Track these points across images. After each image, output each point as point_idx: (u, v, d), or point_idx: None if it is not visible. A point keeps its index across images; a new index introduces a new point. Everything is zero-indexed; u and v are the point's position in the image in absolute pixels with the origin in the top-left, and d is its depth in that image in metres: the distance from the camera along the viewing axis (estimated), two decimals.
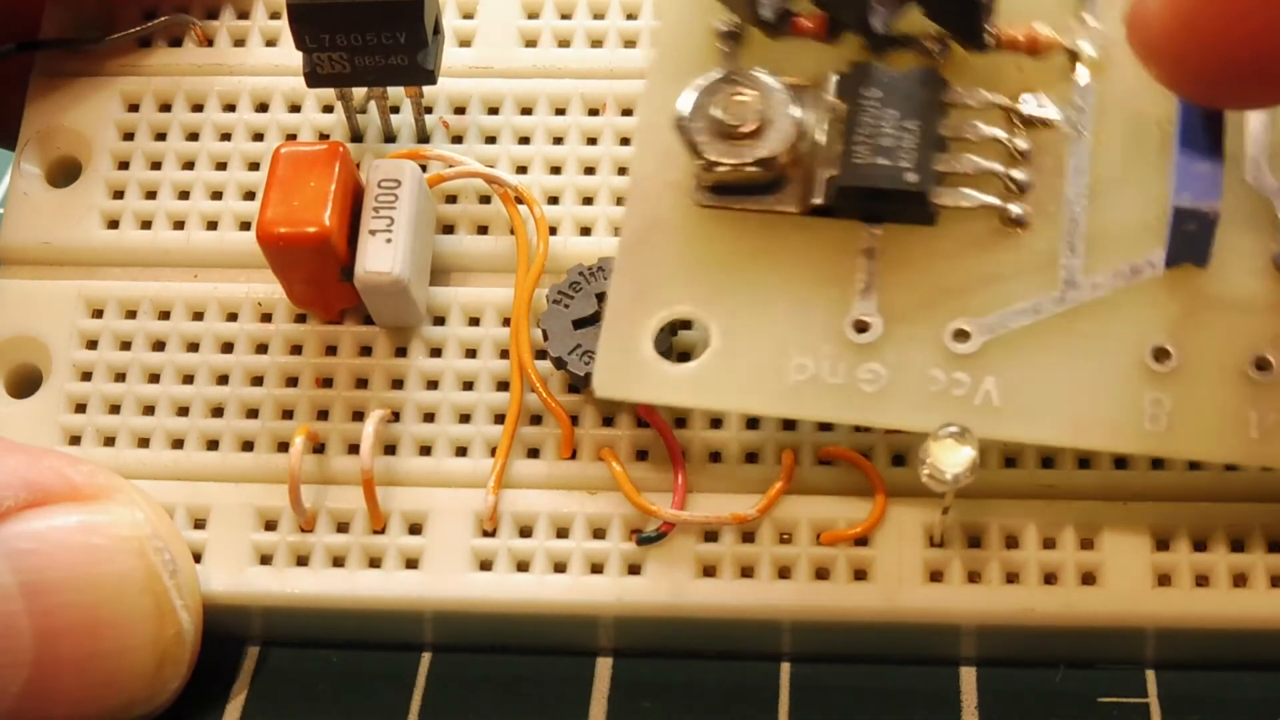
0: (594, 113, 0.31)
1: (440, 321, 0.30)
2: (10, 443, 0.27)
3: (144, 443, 0.29)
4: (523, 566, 0.28)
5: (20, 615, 0.25)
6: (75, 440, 0.29)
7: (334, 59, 0.29)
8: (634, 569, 0.28)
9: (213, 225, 0.31)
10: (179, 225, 0.31)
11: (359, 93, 0.31)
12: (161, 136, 0.32)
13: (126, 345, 0.30)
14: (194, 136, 0.32)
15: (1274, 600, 0.27)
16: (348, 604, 0.28)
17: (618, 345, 0.27)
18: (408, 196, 0.28)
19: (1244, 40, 0.21)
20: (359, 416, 0.29)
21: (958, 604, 0.27)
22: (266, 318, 0.30)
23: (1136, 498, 0.27)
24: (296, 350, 0.30)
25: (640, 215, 0.27)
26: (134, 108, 0.32)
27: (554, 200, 0.30)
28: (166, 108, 0.32)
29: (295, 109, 0.32)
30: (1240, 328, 0.26)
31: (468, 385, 0.29)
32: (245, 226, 0.31)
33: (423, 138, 0.31)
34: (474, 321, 0.30)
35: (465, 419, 0.29)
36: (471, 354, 0.29)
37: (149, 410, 0.29)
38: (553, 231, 0.30)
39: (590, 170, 0.31)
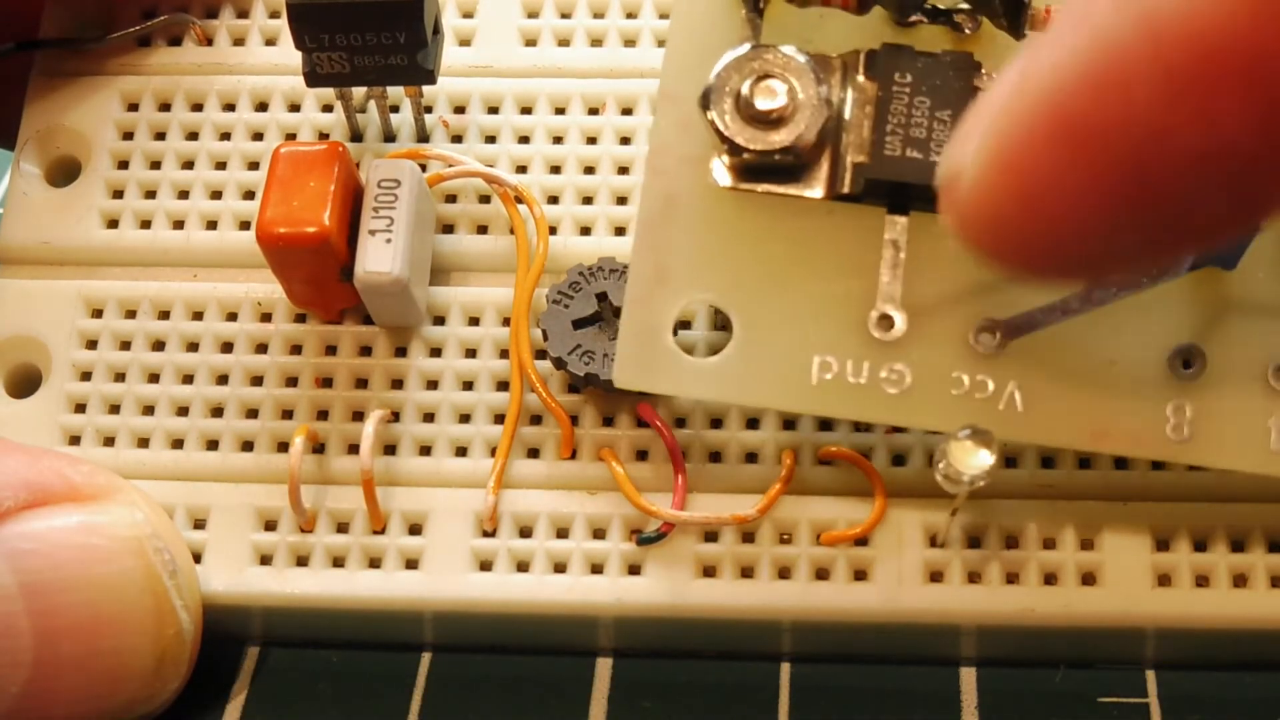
0: (594, 112, 0.31)
1: (440, 321, 0.30)
2: (10, 443, 0.27)
3: (144, 443, 0.29)
4: (523, 567, 0.28)
5: (20, 615, 0.25)
6: (75, 440, 0.29)
7: (333, 59, 0.29)
8: (634, 569, 0.28)
9: (212, 225, 0.31)
10: (179, 225, 0.31)
11: (358, 92, 0.31)
12: (161, 136, 0.32)
13: (126, 345, 0.30)
14: (194, 136, 0.32)
15: (1274, 600, 0.27)
16: (348, 604, 0.28)
17: (638, 333, 0.26)
18: (407, 196, 0.28)
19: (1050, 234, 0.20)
20: (359, 416, 0.29)
21: (958, 604, 0.27)
22: (266, 317, 0.30)
23: (1137, 498, 0.27)
24: (296, 350, 0.30)
25: (658, 191, 0.26)
26: (133, 107, 0.32)
27: (554, 200, 0.30)
28: (166, 107, 0.32)
29: (295, 108, 0.32)
30: (1264, 333, 0.26)
31: (468, 385, 0.29)
32: (245, 226, 0.31)
33: (422, 137, 0.31)
34: (474, 321, 0.30)
35: (465, 419, 0.29)
36: (471, 354, 0.29)
37: (149, 410, 0.29)
38: (553, 231, 0.30)
39: (590, 170, 0.31)
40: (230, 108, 0.32)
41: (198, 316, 0.30)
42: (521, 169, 0.31)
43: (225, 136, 0.32)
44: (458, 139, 0.31)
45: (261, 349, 0.30)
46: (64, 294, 0.30)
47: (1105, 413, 0.26)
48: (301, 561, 0.28)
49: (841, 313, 0.26)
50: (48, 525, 0.25)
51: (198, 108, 0.32)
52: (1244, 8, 0.17)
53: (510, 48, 0.32)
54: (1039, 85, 0.19)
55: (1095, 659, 0.28)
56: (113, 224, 0.31)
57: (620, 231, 0.30)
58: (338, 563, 0.28)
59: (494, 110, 0.31)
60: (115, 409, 0.29)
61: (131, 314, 0.30)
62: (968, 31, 0.26)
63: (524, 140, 0.31)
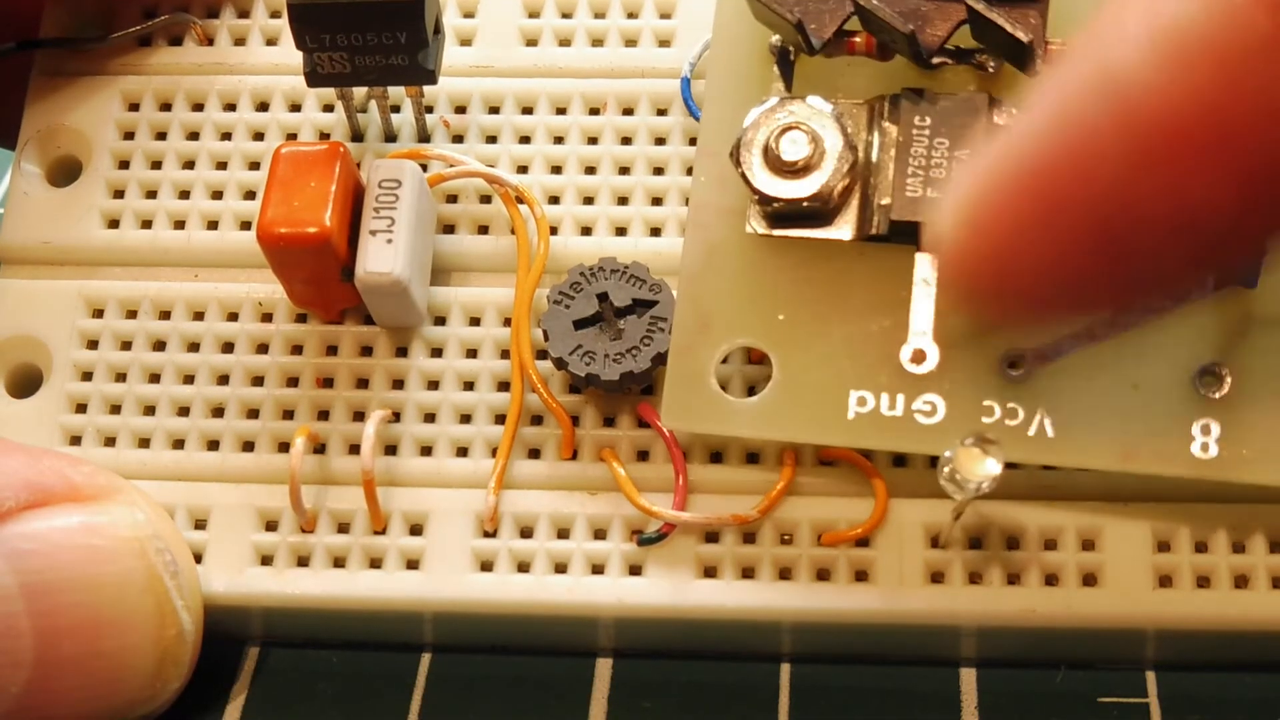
0: (595, 112, 0.31)
1: (441, 321, 0.30)
2: (11, 443, 0.27)
3: (144, 443, 0.29)
4: (523, 567, 0.28)
5: (21, 616, 0.25)
6: (76, 440, 0.29)
7: (334, 59, 0.29)
8: (635, 570, 0.28)
9: (213, 225, 0.31)
10: (179, 225, 0.31)
11: (359, 92, 0.31)
12: (162, 136, 0.32)
13: (127, 345, 0.30)
14: (194, 136, 0.32)
15: (1275, 601, 0.27)
16: (348, 605, 0.28)
17: (684, 378, 0.27)
18: (408, 196, 0.28)
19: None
20: (360, 417, 0.29)
21: (959, 605, 0.27)
22: (267, 318, 0.30)
23: (1138, 498, 0.27)
24: (297, 350, 0.30)
25: (699, 243, 0.27)
26: (134, 107, 0.32)
27: (555, 200, 0.30)
28: (167, 107, 0.32)
29: (296, 108, 0.32)
30: None
31: (468, 385, 0.29)
32: (246, 226, 0.31)
33: (423, 137, 0.31)
34: (475, 322, 0.30)
35: (466, 419, 0.29)
36: (472, 354, 0.29)
37: (149, 410, 0.29)
38: (554, 231, 0.30)
39: (591, 170, 0.31)
40: (231, 107, 0.32)
41: (198, 316, 0.30)
42: (522, 169, 0.31)
43: (226, 136, 0.32)
44: (459, 139, 0.31)
45: (262, 349, 0.30)
46: (65, 294, 0.30)
47: (1133, 434, 0.26)
48: (302, 562, 0.28)
49: (875, 349, 0.27)
50: (49, 526, 0.25)
51: (199, 107, 0.32)
52: (1212, 86, 0.18)
53: (511, 47, 0.32)
54: (1010, 153, 0.20)
55: (1096, 660, 0.27)
56: (113, 224, 0.31)
57: (621, 232, 0.30)
58: (338, 563, 0.28)
59: (495, 110, 0.31)
60: (116, 409, 0.29)
61: (132, 314, 0.30)
62: (991, 70, 0.27)
63: (525, 140, 0.31)
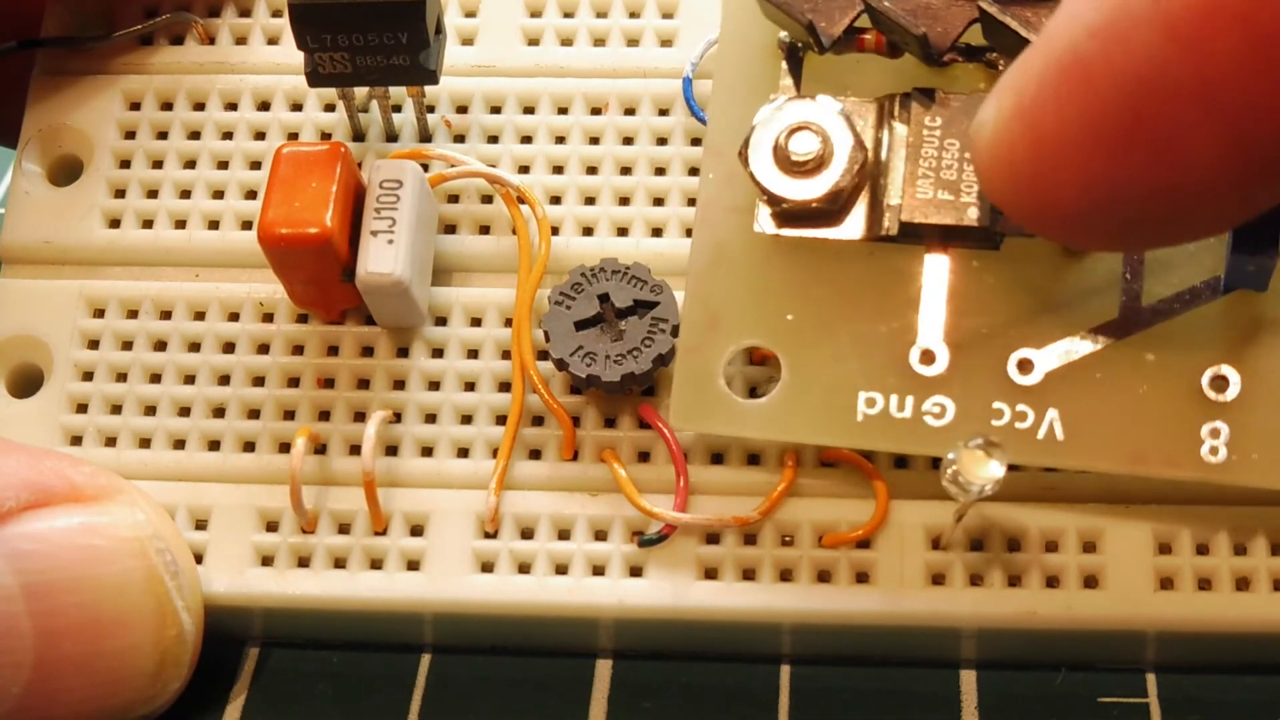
0: (596, 112, 0.31)
1: (442, 322, 0.30)
2: (11, 443, 0.27)
3: (145, 443, 0.29)
4: (524, 568, 0.28)
5: (21, 616, 0.25)
6: (76, 440, 0.29)
7: (335, 59, 0.29)
8: (635, 571, 0.28)
9: (214, 224, 0.31)
10: (180, 224, 0.31)
11: (361, 92, 0.31)
12: (163, 135, 0.32)
13: (128, 345, 0.30)
14: (196, 135, 0.32)
15: (1276, 604, 0.27)
16: (349, 605, 0.28)
17: (692, 378, 0.27)
18: (409, 197, 0.28)
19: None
20: (360, 417, 0.29)
21: (959, 607, 0.27)
22: (268, 318, 0.30)
23: (1139, 500, 0.27)
24: (298, 351, 0.30)
25: (707, 242, 0.27)
26: (135, 106, 0.32)
27: (556, 200, 0.30)
28: (168, 106, 0.32)
29: (297, 107, 0.32)
30: None
31: (469, 386, 0.29)
32: (247, 226, 0.31)
33: (425, 137, 0.31)
34: (476, 322, 0.30)
35: (467, 420, 0.29)
36: (473, 355, 0.29)
37: (150, 410, 0.29)
38: (555, 232, 0.30)
39: (593, 170, 0.31)
40: (232, 107, 0.32)
41: (199, 316, 0.30)
42: (524, 169, 0.31)
43: (227, 136, 0.32)
44: (460, 139, 0.31)
45: (263, 349, 0.30)
46: (66, 294, 0.30)
47: (1143, 437, 0.26)
48: (303, 562, 0.28)
49: (884, 350, 0.27)
50: (49, 526, 0.25)
51: (200, 107, 0.32)
52: None
53: (513, 47, 0.32)
54: (1049, 40, 0.20)
55: (1096, 662, 0.27)
56: (115, 223, 0.31)
57: (623, 232, 0.30)
58: (339, 564, 0.28)
59: (496, 110, 0.31)
60: (117, 409, 0.29)
61: (133, 314, 0.30)
62: (1001, 69, 0.27)
63: (526, 140, 0.31)
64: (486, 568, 0.28)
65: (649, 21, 0.32)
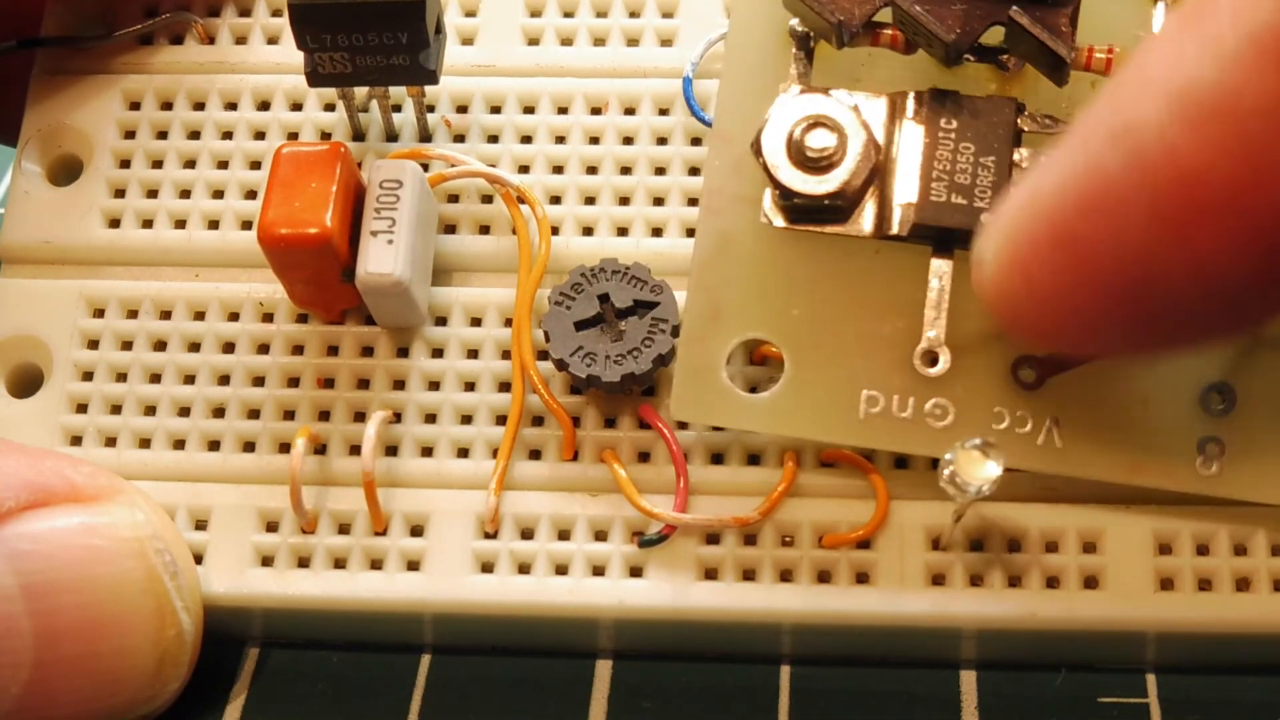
0: (596, 112, 0.31)
1: (442, 322, 0.30)
2: (11, 443, 0.27)
3: (145, 443, 0.29)
4: (524, 569, 0.28)
5: (21, 616, 0.25)
6: (76, 440, 0.29)
7: (335, 59, 0.29)
8: (635, 571, 0.28)
9: (214, 224, 0.31)
10: (180, 224, 0.31)
11: (361, 91, 0.31)
12: (163, 135, 0.32)
13: (128, 345, 0.30)
14: (196, 135, 0.32)
15: (1276, 604, 0.27)
16: (349, 606, 0.28)
17: (694, 370, 0.27)
18: (409, 197, 0.28)
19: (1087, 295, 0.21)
20: (360, 417, 0.29)
21: (959, 607, 0.27)
22: (268, 318, 0.30)
23: (1139, 501, 0.27)
24: (298, 351, 0.30)
25: (713, 230, 0.27)
26: (135, 106, 0.32)
27: (556, 200, 0.30)
28: (168, 106, 0.32)
29: (297, 107, 0.32)
30: None
31: (469, 386, 0.29)
32: (247, 225, 0.31)
33: (425, 137, 0.31)
34: (476, 322, 0.30)
35: (467, 420, 0.29)
36: (473, 355, 0.29)
37: (150, 411, 0.29)
38: (555, 232, 0.30)
39: (593, 170, 0.31)
40: (232, 106, 0.32)
41: (199, 316, 0.30)
42: (524, 169, 0.31)
43: (227, 135, 0.31)
44: (460, 138, 0.31)
45: (263, 349, 0.30)
46: (65, 293, 0.30)
47: (1140, 447, 0.26)
48: (303, 563, 0.28)
49: (888, 349, 0.27)
50: (49, 526, 0.25)
51: (200, 106, 0.32)
52: (1224, 147, 0.18)
53: (513, 47, 0.32)
54: (1043, 202, 0.21)
55: (1097, 662, 0.27)
56: (114, 223, 0.31)
57: (623, 232, 0.30)
58: (339, 564, 0.28)
59: (496, 110, 0.31)
60: (117, 409, 0.29)
61: (133, 314, 0.30)
62: (1011, 69, 0.27)
63: (526, 140, 0.31)
64: (486, 568, 0.28)
65: (649, 21, 0.32)
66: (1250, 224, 0.19)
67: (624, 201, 0.30)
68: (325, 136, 0.31)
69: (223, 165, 0.31)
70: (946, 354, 0.26)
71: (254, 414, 0.29)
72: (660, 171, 0.30)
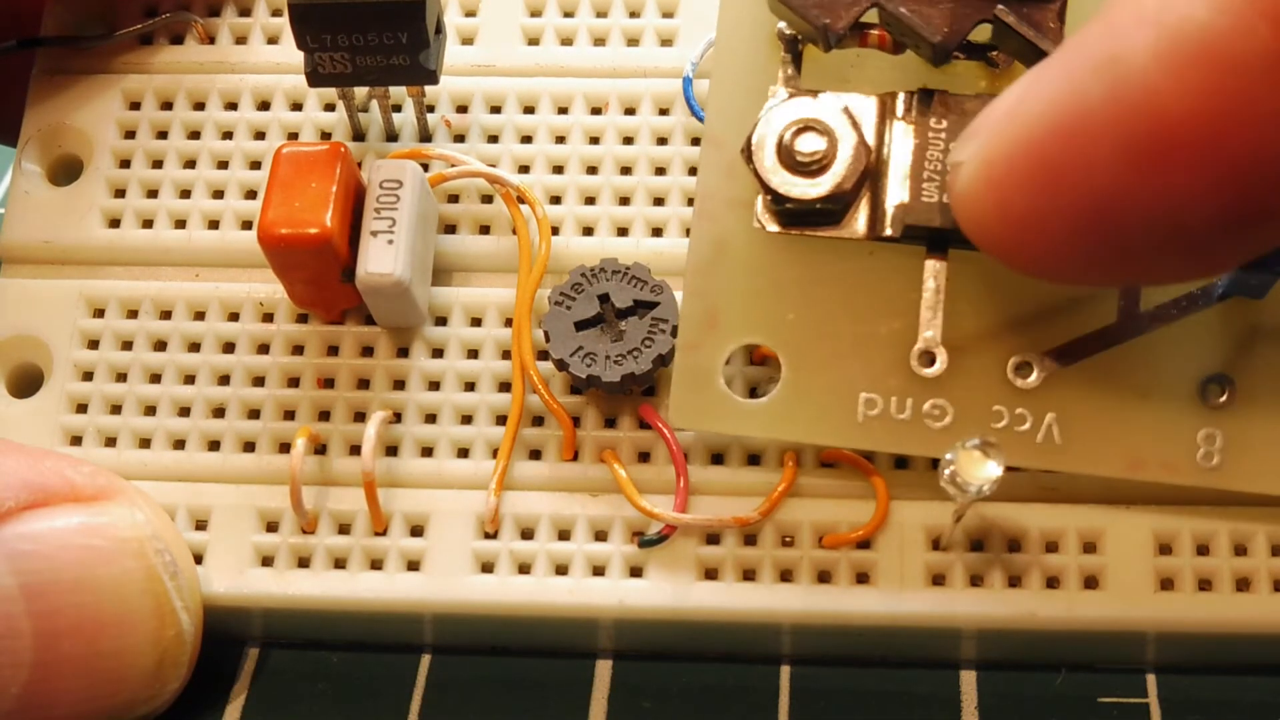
0: (597, 112, 0.31)
1: (442, 322, 0.30)
2: (11, 443, 0.27)
3: (145, 443, 0.29)
4: (524, 569, 0.28)
5: (20, 616, 0.25)
6: (76, 440, 0.29)
7: (335, 59, 0.29)
8: (635, 571, 0.28)
9: (214, 224, 0.31)
10: (180, 224, 0.31)
11: (361, 91, 0.31)
12: (163, 135, 0.32)
13: (128, 345, 0.30)
14: (196, 135, 0.32)
15: (1276, 604, 0.27)
16: (349, 606, 0.28)
17: (691, 377, 0.27)
18: (409, 197, 0.28)
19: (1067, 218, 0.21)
20: (360, 417, 0.29)
21: (960, 607, 0.27)
22: (268, 318, 0.30)
23: (1139, 501, 0.27)
24: (298, 351, 0.30)
25: (706, 236, 0.27)
26: (135, 106, 0.32)
27: (556, 200, 0.30)
28: (168, 106, 0.32)
29: (297, 107, 0.32)
30: None
31: (469, 386, 0.29)
32: (247, 225, 0.31)
33: (425, 137, 0.31)
34: (476, 322, 0.30)
35: (467, 420, 0.29)
36: (473, 355, 0.29)
37: (150, 411, 0.29)
38: (555, 232, 0.30)
39: (593, 170, 0.31)
40: (232, 106, 0.32)
41: (199, 316, 0.30)
42: (524, 169, 0.31)
43: (227, 135, 0.31)
44: (460, 138, 0.31)
45: (263, 349, 0.30)
46: (66, 293, 0.30)
47: (1139, 443, 0.26)
48: (303, 563, 0.28)
49: (885, 351, 0.27)
50: (49, 526, 0.25)
51: (200, 106, 0.32)
52: (1208, 89, 0.18)
53: (513, 47, 0.32)
54: (1022, 121, 0.21)
55: (1096, 662, 0.27)
56: (114, 223, 0.31)
57: (623, 232, 0.30)
58: (339, 564, 0.28)
59: (496, 110, 0.31)
60: (117, 409, 0.29)
61: (133, 314, 0.30)
62: (1001, 66, 0.27)
63: (526, 140, 0.31)
64: (486, 568, 0.28)
65: (649, 21, 0.32)
66: (1220, 168, 0.19)
67: (624, 201, 0.30)
68: (325, 136, 0.31)
69: (223, 165, 0.31)
70: (943, 354, 0.26)
71: (254, 414, 0.29)
72: (660, 171, 0.30)
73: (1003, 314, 0.27)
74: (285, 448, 0.29)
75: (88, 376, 0.30)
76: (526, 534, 0.28)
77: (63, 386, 0.30)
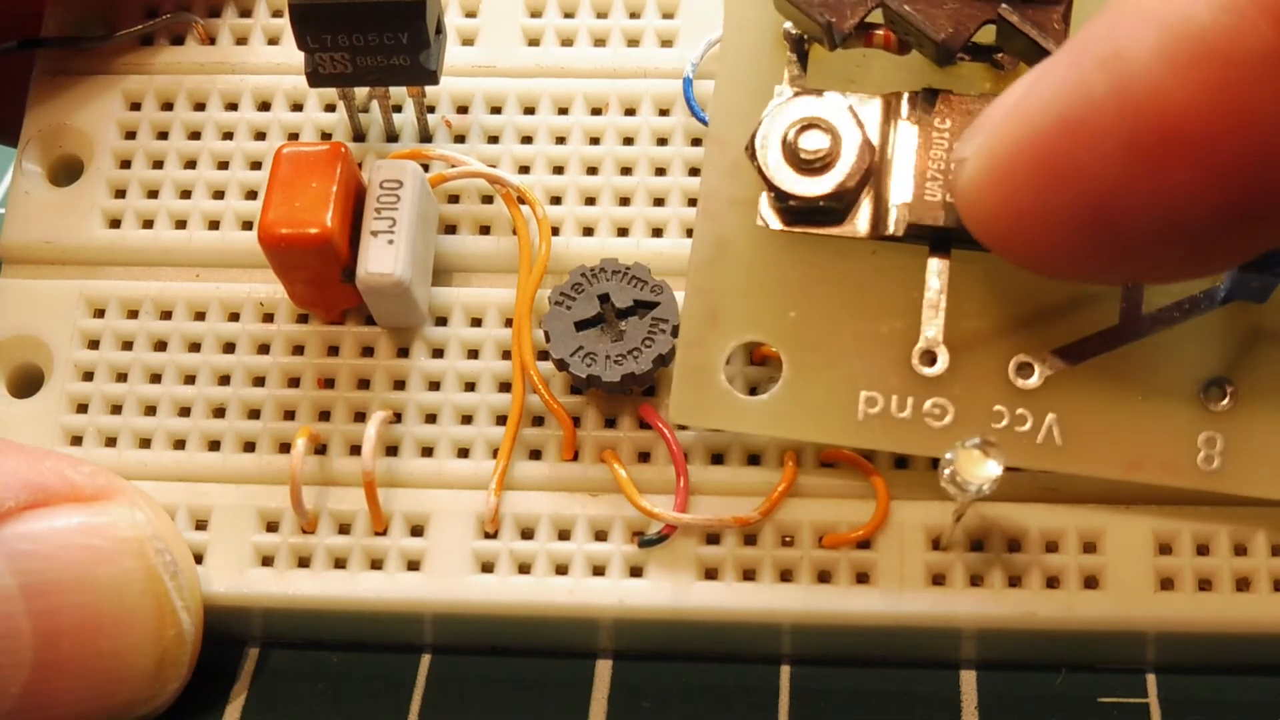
0: (597, 112, 0.31)
1: (442, 322, 0.30)
2: (11, 443, 0.27)
3: (145, 443, 0.29)
4: (524, 569, 0.28)
5: (21, 616, 0.25)
6: (76, 441, 0.29)
7: (336, 59, 0.29)
8: (635, 571, 0.28)
9: (215, 224, 0.31)
10: (181, 224, 0.31)
11: (361, 92, 0.31)
12: (164, 135, 0.32)
13: (128, 345, 0.30)
14: (196, 135, 0.32)
15: (1276, 604, 0.27)
16: (349, 606, 0.28)
17: (692, 373, 0.27)
18: (410, 197, 0.28)
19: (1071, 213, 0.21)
20: (361, 418, 0.29)
21: (960, 607, 0.27)
22: (268, 318, 0.30)
23: (1139, 501, 0.27)
24: (298, 351, 0.30)
25: (710, 234, 0.27)
26: (136, 106, 0.32)
27: (556, 200, 0.30)
28: (169, 106, 0.32)
29: (297, 108, 0.32)
30: None
31: (470, 386, 0.29)
32: (247, 226, 0.31)
33: (425, 137, 0.31)
34: (476, 322, 0.30)
35: (467, 420, 0.29)
36: (474, 355, 0.29)
37: (150, 411, 0.29)
38: (555, 232, 0.30)
39: (593, 170, 0.31)
40: (233, 107, 0.32)
41: (200, 317, 0.30)
42: (524, 169, 0.31)
43: (228, 136, 0.31)
44: (460, 139, 0.31)
45: (263, 349, 0.30)
46: (66, 294, 0.30)
47: (1140, 444, 0.26)
48: (303, 563, 0.28)
49: (886, 350, 0.27)
50: (49, 526, 0.25)
51: (200, 107, 0.32)
52: (1209, 88, 0.19)
53: (513, 47, 0.32)
54: (1027, 115, 0.21)
55: (1096, 662, 0.27)
56: (115, 223, 0.31)
57: (623, 232, 0.30)
58: (339, 564, 0.28)
59: (497, 110, 0.31)
60: (117, 409, 0.29)
61: (133, 314, 0.30)
62: (1006, 68, 0.27)
63: (527, 140, 0.31)
64: (486, 568, 0.28)
65: (649, 21, 0.32)
66: (1221, 167, 0.19)
67: (624, 202, 0.30)
68: (325, 137, 0.31)
69: (223, 165, 0.31)
70: (945, 353, 0.26)
71: (254, 414, 0.29)
72: (660, 172, 0.30)
73: (1005, 314, 0.27)
74: (285, 448, 0.29)
75: (88, 376, 0.30)
76: (526, 534, 0.28)
77: (63, 386, 0.30)
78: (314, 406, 0.29)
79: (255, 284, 0.30)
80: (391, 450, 0.29)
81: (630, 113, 0.31)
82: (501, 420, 0.29)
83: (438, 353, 0.29)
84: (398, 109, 0.31)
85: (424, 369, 0.29)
